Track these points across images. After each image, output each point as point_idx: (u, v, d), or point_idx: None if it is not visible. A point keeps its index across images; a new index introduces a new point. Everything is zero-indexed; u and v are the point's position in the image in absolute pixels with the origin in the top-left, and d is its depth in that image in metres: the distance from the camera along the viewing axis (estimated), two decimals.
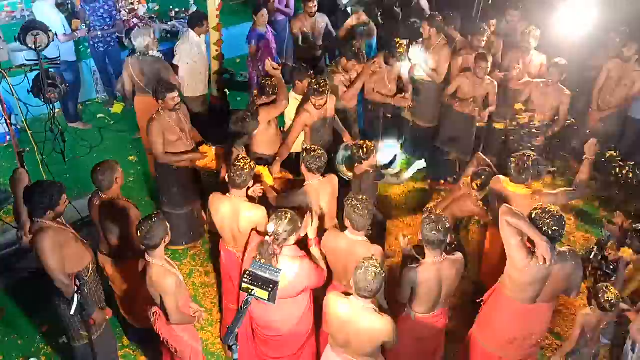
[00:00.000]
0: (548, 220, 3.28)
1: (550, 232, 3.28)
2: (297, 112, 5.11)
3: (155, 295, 3.47)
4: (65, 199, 3.60)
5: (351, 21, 7.01)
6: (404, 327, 3.68)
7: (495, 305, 3.69)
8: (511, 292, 3.52)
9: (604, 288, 3.73)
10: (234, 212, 3.89)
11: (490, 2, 6.94)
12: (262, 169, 4.49)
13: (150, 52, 5.61)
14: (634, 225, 4.37)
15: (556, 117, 5.64)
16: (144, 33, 5.54)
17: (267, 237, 3.37)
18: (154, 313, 3.63)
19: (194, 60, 6.09)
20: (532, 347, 3.74)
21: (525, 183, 4.08)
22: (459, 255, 3.60)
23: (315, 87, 4.80)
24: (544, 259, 3.25)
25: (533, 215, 3.34)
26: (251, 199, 4.03)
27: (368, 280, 3.02)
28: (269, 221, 3.42)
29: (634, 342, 3.82)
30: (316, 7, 6.95)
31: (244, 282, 2.66)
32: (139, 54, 5.58)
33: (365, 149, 4.37)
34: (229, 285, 4.31)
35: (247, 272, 2.71)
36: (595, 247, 4.87)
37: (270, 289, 2.61)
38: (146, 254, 3.42)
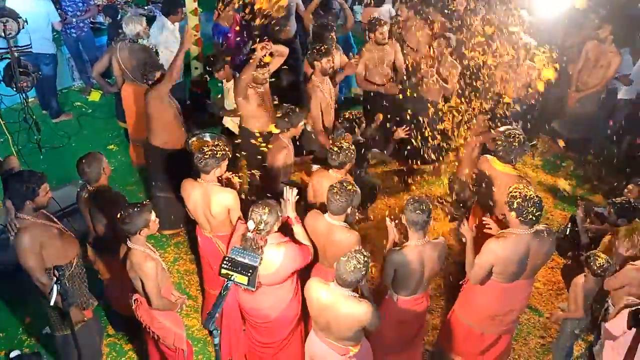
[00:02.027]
0: (531, 209, 3.39)
1: (534, 218, 3.41)
2: (310, 92, 5.07)
3: (136, 280, 3.48)
4: (46, 189, 3.51)
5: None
6: (386, 310, 3.73)
7: (476, 286, 3.76)
8: (494, 273, 3.61)
9: (594, 256, 3.85)
10: (205, 197, 3.89)
11: None
12: None
13: (140, 41, 5.50)
14: (611, 199, 4.46)
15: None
16: (136, 20, 5.40)
17: (249, 234, 3.32)
18: (135, 300, 3.63)
19: (169, 49, 6.00)
20: (511, 323, 3.86)
21: (513, 163, 4.13)
22: (441, 239, 3.65)
23: (320, 50, 4.89)
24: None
25: (515, 205, 3.42)
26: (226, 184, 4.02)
27: (347, 272, 3.05)
28: (249, 217, 3.37)
29: (606, 312, 3.94)
30: None
31: (224, 268, 2.67)
32: (128, 40, 5.45)
33: (357, 121, 4.62)
34: (209, 270, 4.32)
35: (227, 258, 2.72)
36: (570, 223, 4.98)
37: (249, 274, 2.63)
38: (127, 240, 3.44)
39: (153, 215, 3.45)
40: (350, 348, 3.31)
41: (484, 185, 4.30)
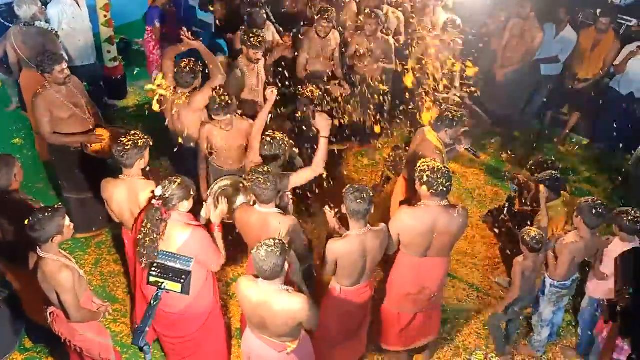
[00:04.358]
0: (440, 179, 3.44)
1: (445, 189, 3.46)
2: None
3: (51, 292, 3.18)
4: None
5: None
6: (330, 301, 3.62)
7: (394, 262, 3.81)
8: (403, 246, 3.67)
9: (526, 231, 3.92)
10: (132, 194, 3.61)
11: None
12: None
13: (37, 23, 5.07)
14: (537, 176, 4.53)
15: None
16: (29, 2, 5.00)
17: (154, 201, 3.23)
18: (50, 314, 3.33)
19: (70, 26, 5.59)
20: (426, 301, 3.85)
21: (438, 132, 4.18)
22: (382, 226, 3.55)
23: (252, 41, 4.72)
24: None
25: (425, 178, 3.46)
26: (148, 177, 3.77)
27: (262, 261, 2.85)
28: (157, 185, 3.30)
29: (543, 285, 4.05)
30: None
31: (152, 275, 2.40)
32: (23, 24, 5.04)
33: None
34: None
35: (155, 264, 2.44)
36: (507, 203, 5.07)
37: (182, 280, 2.37)
38: (38, 248, 3.11)
39: (67, 220, 3.14)
40: (288, 344, 3.15)
41: (412, 152, 4.33)
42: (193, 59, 4.48)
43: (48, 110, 4.31)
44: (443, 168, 3.47)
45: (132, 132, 3.69)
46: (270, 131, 3.94)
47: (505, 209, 4.91)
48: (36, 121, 4.39)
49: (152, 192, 3.44)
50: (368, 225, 3.43)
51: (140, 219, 3.52)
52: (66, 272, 3.08)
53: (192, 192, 3.35)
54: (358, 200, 3.30)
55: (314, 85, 4.99)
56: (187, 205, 3.34)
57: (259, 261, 2.86)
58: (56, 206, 3.16)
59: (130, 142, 3.54)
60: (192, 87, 4.44)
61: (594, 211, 3.72)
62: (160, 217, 3.22)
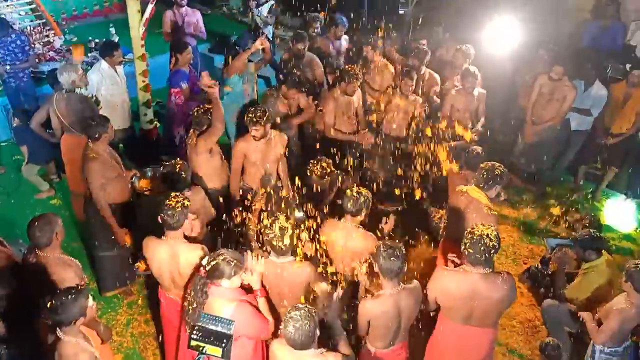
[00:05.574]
0: (466, 241, 3.33)
1: (474, 257, 3.31)
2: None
3: None
4: None
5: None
6: None
7: (436, 326, 3.68)
8: (443, 309, 3.54)
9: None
10: (173, 256, 3.59)
11: (420, 22, 7.03)
12: None
13: (77, 90, 5.29)
14: (574, 235, 4.43)
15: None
16: (70, 69, 5.23)
17: (201, 269, 3.20)
18: None
19: (108, 92, 5.81)
20: None
21: (487, 190, 4.07)
22: (416, 283, 3.46)
23: (250, 116, 4.54)
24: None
25: (466, 240, 3.35)
26: (189, 239, 3.73)
27: (291, 335, 2.78)
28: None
29: (593, 351, 3.85)
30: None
31: (194, 339, 2.35)
32: (64, 90, 5.26)
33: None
34: (172, 334, 3.93)
35: (197, 327, 2.40)
36: (540, 264, 4.93)
37: (223, 345, 2.32)
38: (57, 329, 2.96)
39: (90, 301, 3.03)
40: None
41: (455, 214, 4.22)
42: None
43: (101, 173, 4.40)
44: (486, 238, 3.27)
45: (172, 194, 3.66)
46: (356, 187, 3.91)
47: (539, 272, 4.75)
48: (89, 184, 4.43)
49: (201, 258, 3.42)
50: (401, 283, 3.34)
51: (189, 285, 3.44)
52: (83, 356, 2.95)
53: (234, 272, 3.20)
54: (392, 258, 3.22)
55: (325, 160, 4.78)
56: (229, 282, 3.20)
57: (289, 336, 2.78)
58: (79, 287, 3.03)
59: (179, 204, 3.52)
60: (204, 128, 4.70)
61: None
62: (202, 287, 3.16)
